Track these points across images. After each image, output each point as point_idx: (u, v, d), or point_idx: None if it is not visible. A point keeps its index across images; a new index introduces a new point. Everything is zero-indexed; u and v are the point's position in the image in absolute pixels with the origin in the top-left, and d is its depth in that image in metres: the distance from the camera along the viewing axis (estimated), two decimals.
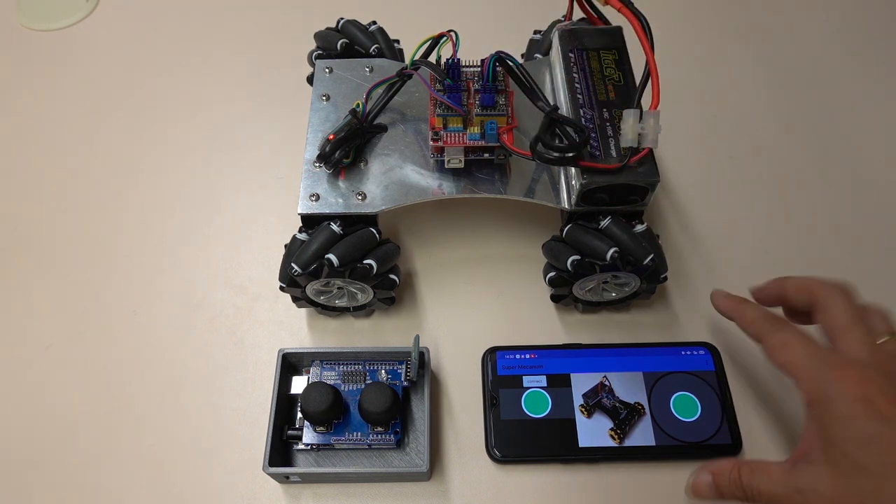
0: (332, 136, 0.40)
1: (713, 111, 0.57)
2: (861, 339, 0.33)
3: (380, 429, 0.40)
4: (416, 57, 0.41)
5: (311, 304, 0.44)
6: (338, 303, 0.45)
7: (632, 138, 0.38)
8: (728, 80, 0.59)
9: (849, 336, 0.34)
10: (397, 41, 0.49)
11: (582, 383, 0.43)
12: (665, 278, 0.42)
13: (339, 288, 0.43)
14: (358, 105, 0.42)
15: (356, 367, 0.42)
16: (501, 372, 0.43)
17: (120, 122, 0.57)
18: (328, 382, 0.41)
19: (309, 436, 0.40)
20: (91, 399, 0.44)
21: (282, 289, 0.42)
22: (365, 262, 0.40)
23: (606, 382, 0.43)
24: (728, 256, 0.49)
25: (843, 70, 0.60)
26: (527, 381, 0.43)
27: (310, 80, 0.48)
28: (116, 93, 0.59)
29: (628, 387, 0.43)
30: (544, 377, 0.43)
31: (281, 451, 0.40)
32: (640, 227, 0.40)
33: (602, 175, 0.38)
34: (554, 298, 0.46)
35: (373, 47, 0.47)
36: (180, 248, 0.50)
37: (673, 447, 0.41)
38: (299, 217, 0.41)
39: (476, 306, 0.47)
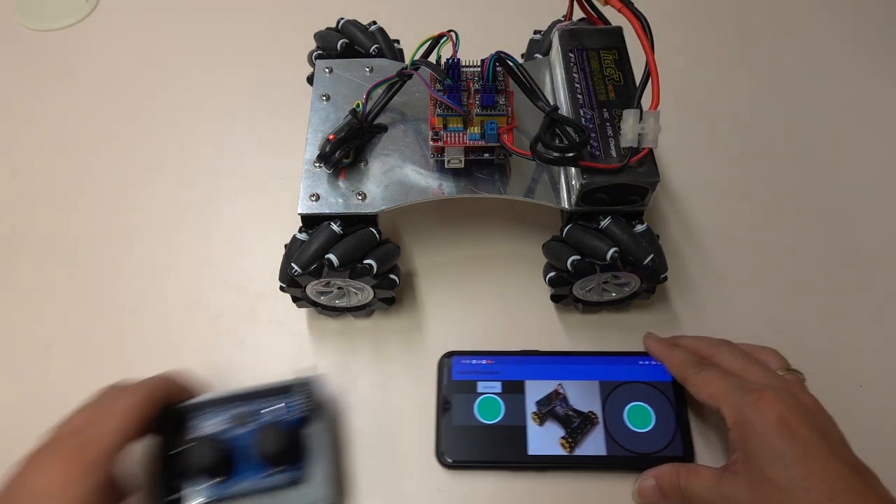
0: (332, 136, 0.40)
1: (713, 111, 0.57)
2: (761, 372, 0.37)
3: (277, 469, 0.38)
4: (416, 57, 0.41)
5: (312, 304, 0.44)
6: (338, 303, 0.45)
7: (632, 138, 0.38)
8: (728, 79, 0.59)
9: (748, 374, 0.38)
10: (397, 41, 0.49)
11: (536, 390, 0.42)
12: (665, 278, 0.42)
13: (339, 288, 0.43)
14: (358, 105, 0.42)
15: (242, 408, 0.39)
16: (456, 377, 0.43)
17: (120, 122, 0.57)
18: (214, 430, 0.38)
19: (199, 493, 0.37)
20: None
21: (282, 289, 0.42)
22: (365, 262, 0.40)
23: (561, 390, 0.42)
24: (728, 256, 0.49)
25: (843, 70, 0.60)
26: (481, 386, 0.43)
27: (310, 80, 0.48)
28: (116, 93, 0.59)
29: (583, 395, 0.42)
30: (499, 383, 0.43)
31: None
32: (640, 227, 0.40)
33: (602, 175, 0.38)
34: (554, 298, 0.46)
35: (373, 47, 0.47)
36: (180, 248, 0.50)
37: (624, 457, 0.40)
38: (299, 217, 0.41)
39: (476, 306, 0.47)
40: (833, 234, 0.51)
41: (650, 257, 0.39)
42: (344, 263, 0.39)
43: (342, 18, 0.49)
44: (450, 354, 0.44)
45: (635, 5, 0.38)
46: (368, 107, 0.42)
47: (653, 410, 0.42)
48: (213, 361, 0.45)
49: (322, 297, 0.44)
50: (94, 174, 0.54)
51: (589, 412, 0.42)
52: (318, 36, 0.49)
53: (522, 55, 0.51)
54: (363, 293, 0.43)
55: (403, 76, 0.42)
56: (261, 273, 0.49)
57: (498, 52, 0.40)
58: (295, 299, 0.44)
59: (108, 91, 0.59)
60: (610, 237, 0.40)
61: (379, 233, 0.41)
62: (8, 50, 0.62)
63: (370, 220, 0.41)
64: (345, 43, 0.47)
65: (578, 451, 0.40)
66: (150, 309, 0.48)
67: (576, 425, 0.41)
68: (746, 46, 0.61)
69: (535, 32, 0.51)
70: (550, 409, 0.42)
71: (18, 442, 0.43)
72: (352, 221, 0.41)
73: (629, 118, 0.38)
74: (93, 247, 0.50)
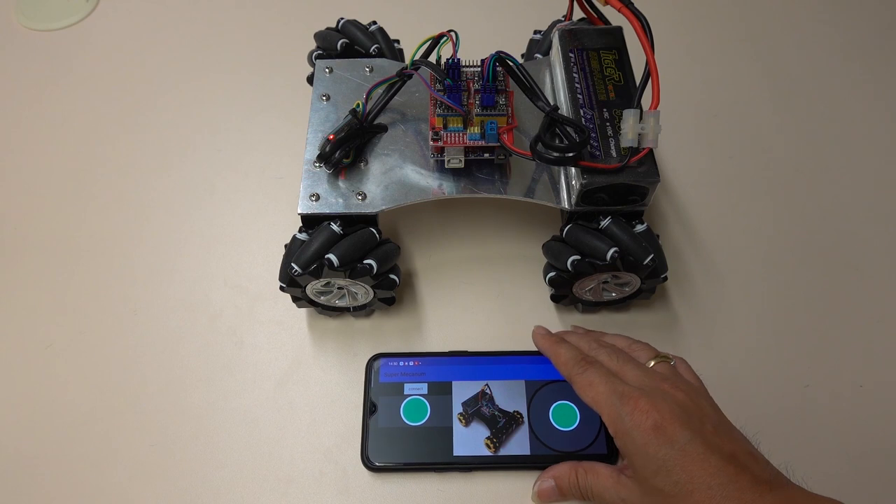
0: (332, 136, 0.40)
1: (713, 111, 0.57)
2: (634, 372, 0.37)
3: None
4: (416, 57, 0.41)
5: (311, 304, 0.44)
6: (338, 303, 0.45)
7: (632, 138, 0.38)
8: (728, 79, 0.59)
9: (624, 374, 0.38)
10: (397, 41, 0.49)
11: (463, 391, 0.42)
12: (665, 278, 0.42)
13: (339, 288, 0.43)
14: (358, 105, 0.42)
15: None
16: (383, 379, 0.43)
17: (120, 122, 0.57)
18: None
19: None
20: (91, 399, 0.44)
21: (282, 289, 0.42)
22: (365, 262, 0.40)
23: (487, 391, 0.42)
24: (728, 256, 0.49)
25: (842, 69, 0.60)
26: (408, 388, 0.43)
27: (310, 80, 0.48)
28: (116, 93, 0.59)
29: (509, 395, 0.42)
30: (426, 385, 0.43)
31: None
32: (640, 227, 0.40)
33: (602, 175, 0.38)
34: (554, 298, 0.46)
35: (373, 47, 0.47)
36: (180, 247, 0.50)
37: (547, 456, 0.40)
38: (299, 217, 0.41)
39: (476, 306, 0.47)
40: (833, 234, 0.51)
41: (650, 257, 0.39)
42: (344, 263, 0.39)
43: (342, 18, 0.49)
44: (377, 356, 0.44)
45: (635, 5, 0.38)
46: (368, 107, 0.42)
47: (578, 409, 0.42)
48: (213, 361, 0.45)
49: (322, 297, 0.44)
50: (93, 174, 0.54)
51: (514, 412, 0.42)
52: (318, 36, 0.49)
53: (522, 55, 0.51)
54: (363, 293, 0.43)
55: (403, 76, 0.42)
56: (261, 273, 0.49)
57: (498, 52, 0.40)
58: (295, 299, 0.44)
59: (108, 91, 0.59)
60: (610, 237, 0.40)
61: (379, 233, 0.41)
62: (8, 50, 0.62)
63: (370, 220, 0.41)
64: (345, 43, 0.47)
65: (503, 451, 0.40)
66: (151, 309, 0.48)
67: (501, 425, 0.41)
68: (747, 46, 0.61)
69: (535, 32, 0.51)
70: (476, 409, 0.42)
71: (18, 441, 0.43)
72: (352, 221, 0.41)
73: (629, 118, 0.38)
74: (93, 246, 0.50)
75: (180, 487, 0.41)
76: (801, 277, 0.49)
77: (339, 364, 0.45)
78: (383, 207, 0.41)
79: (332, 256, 0.39)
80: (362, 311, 0.46)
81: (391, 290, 0.44)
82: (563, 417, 0.42)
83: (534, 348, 0.44)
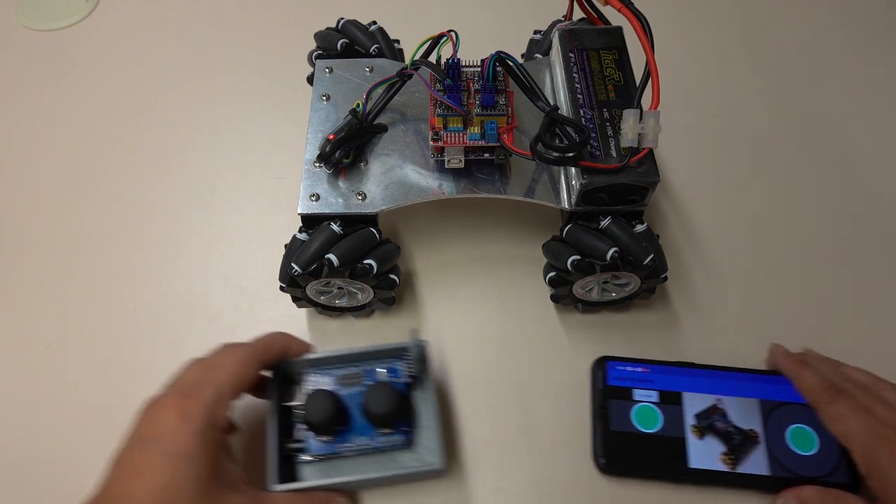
0: (332, 136, 0.40)
1: (713, 111, 0.57)
2: (889, 412, 0.37)
3: (386, 430, 0.39)
4: (416, 57, 0.41)
5: (312, 304, 0.44)
6: (338, 303, 0.45)
7: (632, 138, 0.38)
8: (728, 79, 0.59)
9: (876, 412, 0.37)
10: (397, 41, 0.49)
11: (694, 403, 0.41)
12: (665, 278, 0.42)
13: (339, 288, 0.43)
14: (358, 105, 0.42)
15: (352, 369, 0.41)
16: (612, 382, 0.42)
17: (120, 122, 0.57)
18: (327, 389, 0.40)
19: (313, 447, 0.39)
20: (91, 399, 0.44)
21: (282, 289, 0.42)
22: (365, 262, 0.40)
23: (720, 405, 0.41)
24: (728, 256, 0.49)
25: (842, 70, 0.60)
26: (637, 394, 0.42)
27: (310, 80, 0.48)
28: (116, 93, 0.59)
29: (742, 413, 0.41)
30: (655, 392, 0.42)
31: (286, 466, 0.39)
32: (640, 227, 0.40)
33: (602, 175, 0.38)
34: (554, 298, 0.46)
35: (373, 47, 0.47)
36: (180, 247, 0.50)
37: (789, 479, 0.39)
38: (299, 217, 0.41)
39: (476, 306, 0.47)
40: (833, 233, 0.51)
41: (650, 257, 0.39)
42: (344, 263, 0.39)
43: (342, 18, 0.49)
44: (605, 358, 0.44)
45: (635, 5, 0.38)
46: (368, 107, 0.42)
47: (816, 434, 0.40)
48: None
49: (322, 297, 0.44)
50: (93, 174, 0.54)
51: (749, 430, 0.40)
52: (318, 36, 0.49)
53: (522, 55, 0.51)
54: (363, 293, 0.43)
55: (403, 76, 0.42)
56: (261, 273, 0.49)
57: (498, 52, 0.40)
58: (295, 299, 0.44)
59: (108, 91, 0.59)
60: (610, 237, 0.40)
61: (379, 233, 0.41)
62: (8, 50, 0.62)
63: (370, 220, 0.41)
64: (345, 43, 0.47)
65: (740, 469, 0.39)
66: (150, 309, 0.48)
67: (737, 442, 0.40)
68: (747, 45, 0.61)
69: (535, 32, 0.51)
70: (710, 423, 0.41)
71: (17, 441, 0.43)
72: (352, 221, 0.41)
73: (629, 118, 0.38)
74: (93, 247, 0.50)
75: None
76: (800, 277, 0.49)
77: None
78: (383, 207, 0.41)
79: (332, 256, 0.39)
80: (362, 311, 0.46)
81: (391, 290, 0.44)
82: (801, 441, 0.40)
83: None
